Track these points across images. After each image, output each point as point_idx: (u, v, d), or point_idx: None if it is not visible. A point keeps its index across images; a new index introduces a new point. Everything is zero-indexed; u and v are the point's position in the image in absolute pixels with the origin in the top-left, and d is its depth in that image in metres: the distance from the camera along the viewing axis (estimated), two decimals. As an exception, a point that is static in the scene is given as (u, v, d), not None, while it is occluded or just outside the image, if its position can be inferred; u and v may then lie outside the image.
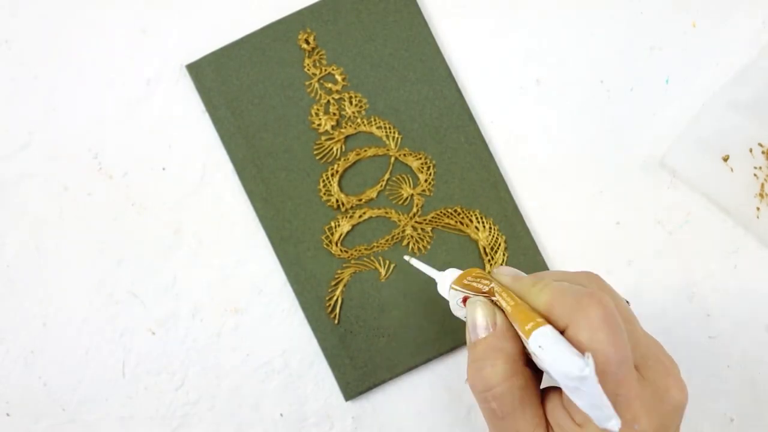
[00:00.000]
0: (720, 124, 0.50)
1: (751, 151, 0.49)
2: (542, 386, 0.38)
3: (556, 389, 0.37)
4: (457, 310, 0.41)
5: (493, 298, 0.38)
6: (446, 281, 0.42)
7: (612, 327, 0.34)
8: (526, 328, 0.34)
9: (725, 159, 0.49)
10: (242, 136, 0.49)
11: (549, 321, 0.35)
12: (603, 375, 0.34)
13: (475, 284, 0.40)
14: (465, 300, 0.40)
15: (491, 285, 0.39)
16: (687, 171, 0.50)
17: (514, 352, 0.37)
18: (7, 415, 0.49)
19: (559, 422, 0.36)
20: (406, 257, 0.46)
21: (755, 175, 0.49)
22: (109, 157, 0.50)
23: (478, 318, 0.38)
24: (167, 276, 0.50)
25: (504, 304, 0.37)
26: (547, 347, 0.33)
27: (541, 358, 0.33)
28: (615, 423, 0.32)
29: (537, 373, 0.38)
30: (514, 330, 0.37)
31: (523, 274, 0.40)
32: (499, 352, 0.37)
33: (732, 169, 0.49)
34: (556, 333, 0.34)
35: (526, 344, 0.35)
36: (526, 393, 0.36)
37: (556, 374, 0.33)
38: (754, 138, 0.50)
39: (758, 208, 0.49)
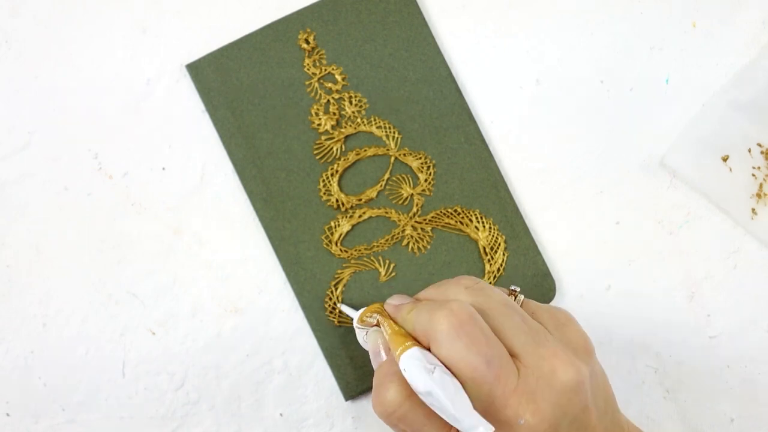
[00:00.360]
0: (719, 125, 0.50)
1: (749, 151, 0.49)
2: None
3: None
4: (365, 345, 0.43)
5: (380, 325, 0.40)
6: (355, 321, 0.44)
7: (466, 333, 0.35)
8: (397, 353, 0.36)
9: (724, 159, 0.49)
10: (242, 136, 0.49)
11: (419, 342, 0.37)
12: (473, 382, 0.34)
13: (368, 319, 0.42)
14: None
15: (378, 317, 0.41)
16: (686, 171, 0.50)
17: None
18: (7, 415, 0.49)
19: None
20: (337, 305, 0.48)
21: (753, 175, 0.49)
22: (109, 157, 0.50)
23: (374, 345, 0.40)
24: (167, 276, 0.50)
25: (384, 334, 0.39)
26: (409, 369, 0.34)
27: (412, 383, 0.34)
28: (487, 429, 0.33)
29: None
30: None
31: (409, 299, 0.41)
32: (393, 375, 0.37)
33: (731, 169, 0.49)
34: (421, 353, 0.35)
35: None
36: (427, 409, 0.36)
37: (419, 395, 0.34)
38: (753, 138, 0.50)
39: (754, 209, 0.49)
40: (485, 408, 0.35)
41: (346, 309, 0.47)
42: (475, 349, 0.35)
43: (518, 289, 0.41)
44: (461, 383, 0.35)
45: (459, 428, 0.34)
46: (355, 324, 0.44)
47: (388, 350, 0.39)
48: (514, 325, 0.37)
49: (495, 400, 0.34)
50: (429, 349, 0.36)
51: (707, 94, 0.51)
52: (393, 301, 0.42)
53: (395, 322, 0.39)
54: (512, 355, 0.36)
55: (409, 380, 0.35)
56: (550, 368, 0.35)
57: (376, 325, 0.41)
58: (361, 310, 0.43)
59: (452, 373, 0.35)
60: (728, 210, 0.49)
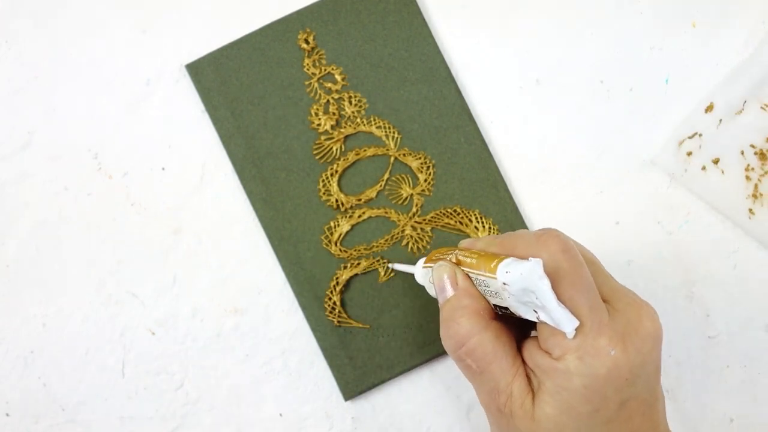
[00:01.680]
0: (710, 127, 0.50)
1: (742, 153, 0.49)
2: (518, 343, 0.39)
3: (532, 338, 0.38)
4: (431, 288, 0.42)
5: (459, 264, 0.40)
6: (419, 266, 0.44)
7: (571, 255, 0.35)
8: (491, 266, 0.36)
9: (715, 162, 0.49)
10: (242, 136, 0.49)
11: None
12: (571, 301, 0.35)
13: (440, 257, 0.41)
14: None
15: (454, 252, 0.40)
16: (678, 172, 0.50)
17: (479, 308, 0.38)
18: (7, 415, 0.49)
19: (538, 363, 0.36)
20: (390, 265, 0.48)
21: (747, 176, 0.49)
22: (108, 157, 0.50)
23: (440, 280, 0.40)
24: (167, 276, 0.50)
25: (469, 261, 0.38)
26: (512, 270, 0.35)
27: (509, 283, 0.35)
28: (573, 323, 0.34)
29: (509, 326, 0.39)
30: (477, 290, 0.38)
31: (486, 236, 0.42)
32: (464, 309, 0.38)
33: (723, 172, 0.49)
34: (518, 260, 0.35)
35: (494, 291, 0.37)
36: (498, 345, 0.37)
37: (517, 292, 0.35)
38: (746, 139, 0.50)
39: (751, 210, 0.49)
40: (582, 332, 0.35)
41: (401, 267, 0.47)
42: (579, 274, 0.35)
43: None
44: None
45: (557, 324, 0.34)
46: (419, 269, 0.44)
47: (455, 284, 0.39)
48: (605, 273, 0.38)
49: (591, 327, 0.35)
50: None
51: (705, 94, 0.51)
52: (465, 241, 0.42)
53: (478, 251, 0.39)
54: (603, 299, 0.37)
55: (511, 281, 0.34)
56: (637, 316, 0.36)
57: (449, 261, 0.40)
58: (423, 258, 0.44)
59: None
60: (724, 211, 0.49)
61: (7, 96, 0.50)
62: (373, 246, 0.49)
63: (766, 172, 0.49)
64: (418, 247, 0.49)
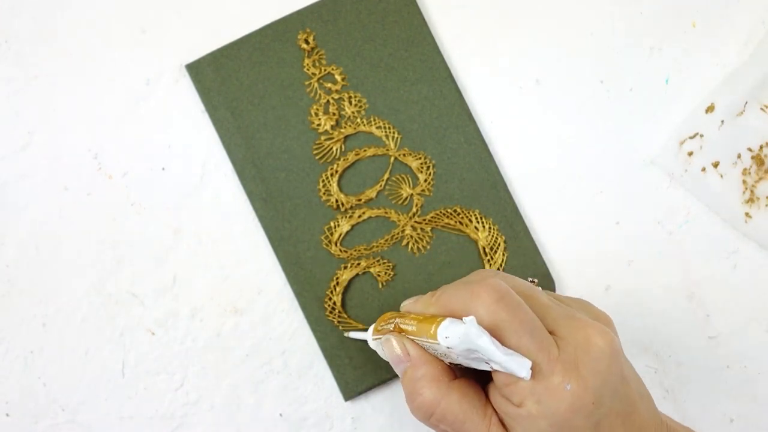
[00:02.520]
0: (711, 128, 0.50)
1: (739, 156, 0.49)
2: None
3: (493, 383, 0.38)
4: (385, 355, 0.42)
5: (401, 334, 0.40)
6: (369, 335, 0.44)
7: (507, 305, 0.35)
8: (431, 332, 0.36)
9: (715, 165, 0.49)
10: (242, 136, 0.49)
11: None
12: (518, 351, 0.35)
13: (385, 327, 0.41)
14: None
15: (395, 321, 0.40)
16: (678, 172, 0.50)
17: (436, 373, 0.38)
18: (7, 415, 0.49)
19: (504, 410, 0.37)
20: (346, 335, 0.48)
21: (744, 181, 0.49)
22: (108, 157, 0.50)
23: (392, 354, 0.40)
24: (167, 276, 0.50)
25: (410, 329, 0.38)
26: (450, 334, 0.35)
27: (452, 347, 0.35)
28: (526, 366, 0.34)
29: (472, 377, 0.39)
30: (429, 353, 0.38)
31: (423, 296, 0.41)
32: (422, 379, 0.38)
33: (721, 176, 0.49)
34: (456, 320, 0.35)
35: (442, 353, 0.37)
36: (465, 403, 0.37)
37: (463, 353, 0.35)
38: (745, 142, 0.50)
39: (747, 213, 0.49)
40: (534, 375, 0.35)
41: (355, 334, 0.47)
42: (519, 319, 0.35)
43: (536, 281, 0.41)
44: None
45: (510, 370, 0.34)
46: (370, 339, 0.44)
47: (407, 355, 0.39)
48: (545, 303, 0.38)
49: (542, 367, 0.35)
50: None
51: (706, 94, 0.51)
52: (407, 301, 0.42)
53: (416, 315, 0.39)
54: (548, 330, 0.37)
55: (453, 344, 0.34)
56: (585, 337, 0.36)
57: (393, 331, 0.41)
58: (372, 325, 0.44)
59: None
60: (721, 214, 0.49)
61: (7, 96, 0.50)
62: (374, 246, 0.49)
63: (761, 177, 0.49)
64: (418, 247, 0.49)
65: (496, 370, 0.35)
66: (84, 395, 0.49)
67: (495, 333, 0.35)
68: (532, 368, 0.34)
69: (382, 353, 0.42)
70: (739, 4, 0.51)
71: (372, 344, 0.44)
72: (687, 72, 0.51)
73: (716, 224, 0.50)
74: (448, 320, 0.35)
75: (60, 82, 0.50)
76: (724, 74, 0.51)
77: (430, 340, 0.36)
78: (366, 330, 0.45)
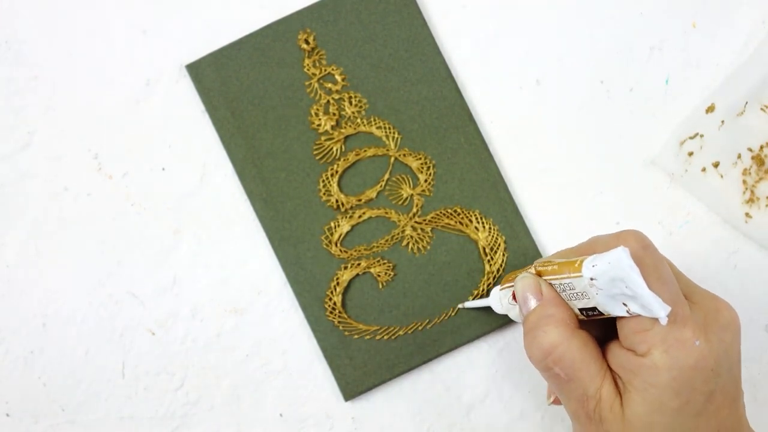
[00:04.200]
0: (712, 128, 0.50)
1: (739, 156, 0.49)
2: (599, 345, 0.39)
3: (613, 341, 0.38)
4: (512, 309, 0.43)
5: (539, 271, 0.40)
6: (494, 293, 0.45)
7: (652, 250, 0.36)
8: (576, 265, 0.36)
9: (715, 165, 0.49)
10: (242, 137, 0.49)
11: None
12: (654, 281, 0.35)
13: (517, 275, 0.42)
14: (515, 296, 0.41)
15: (534, 265, 0.41)
16: (678, 172, 0.50)
17: (565, 317, 0.38)
18: (7, 415, 0.49)
19: (622, 364, 0.37)
20: (459, 306, 0.48)
21: (744, 181, 0.49)
22: (108, 158, 0.50)
23: (523, 292, 0.40)
24: (167, 276, 0.50)
25: (550, 268, 0.39)
26: (598, 262, 0.35)
27: (597, 276, 0.35)
28: (666, 308, 0.34)
29: (592, 333, 0.39)
30: (562, 299, 0.39)
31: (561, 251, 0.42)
32: (550, 318, 0.38)
33: (721, 176, 0.49)
34: (602, 254, 0.35)
35: (579, 292, 0.37)
36: (585, 351, 0.37)
37: (606, 284, 0.35)
38: (745, 142, 0.50)
39: (747, 213, 0.49)
40: (669, 323, 0.35)
41: (473, 303, 0.48)
42: (660, 267, 0.36)
43: None
44: None
45: (648, 312, 0.35)
46: (496, 291, 0.45)
47: (539, 294, 0.39)
48: (678, 271, 0.39)
49: (676, 318, 0.35)
50: None
51: (707, 95, 0.51)
52: (545, 256, 0.43)
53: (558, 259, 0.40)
54: None
55: (598, 274, 0.35)
56: (715, 307, 0.37)
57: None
58: (496, 286, 0.45)
59: None
60: (721, 214, 0.49)
61: (7, 96, 0.50)
62: (374, 246, 0.49)
63: (761, 178, 0.49)
64: (418, 248, 0.49)
65: (625, 318, 0.35)
66: (84, 395, 0.49)
67: None
68: (669, 314, 0.35)
69: (507, 306, 0.43)
70: (739, 4, 0.51)
71: (495, 303, 0.45)
72: (687, 72, 0.51)
73: (716, 224, 0.50)
74: (594, 254, 0.36)
75: (60, 82, 0.50)
76: (725, 74, 0.51)
77: (573, 274, 0.36)
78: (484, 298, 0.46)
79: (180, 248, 0.50)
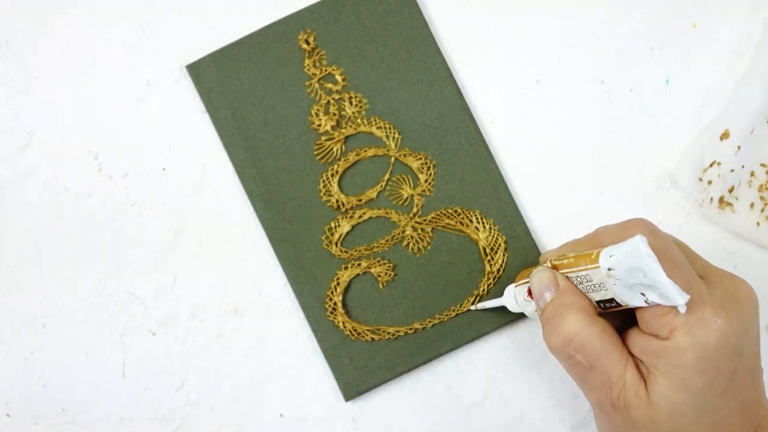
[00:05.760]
0: (725, 157, 0.49)
1: (753, 174, 0.49)
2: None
3: (632, 329, 0.38)
4: (527, 306, 0.43)
5: (554, 265, 0.40)
6: (509, 291, 0.45)
7: (659, 235, 0.36)
8: (592, 257, 0.36)
9: (730, 190, 0.49)
10: (242, 137, 0.49)
11: None
12: (666, 266, 0.34)
13: (530, 271, 0.42)
14: (530, 292, 0.42)
15: (548, 260, 0.41)
16: (703, 203, 0.49)
17: (583, 304, 0.38)
18: (7, 415, 0.49)
19: (645, 349, 0.37)
20: (472, 307, 0.48)
21: (762, 197, 0.48)
22: (109, 158, 0.50)
23: (539, 285, 0.40)
24: (167, 276, 0.50)
25: (565, 262, 0.39)
26: (615, 252, 0.35)
27: (615, 266, 0.35)
28: (685, 295, 0.34)
29: (611, 322, 0.39)
30: (578, 289, 0.39)
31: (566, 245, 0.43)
32: (568, 306, 0.38)
33: (737, 198, 0.49)
34: (618, 245, 0.35)
35: (596, 284, 0.37)
36: (606, 337, 0.37)
37: (624, 274, 0.35)
38: (756, 159, 0.49)
39: (758, 222, 0.49)
40: (688, 303, 0.35)
41: (485, 304, 0.48)
42: (671, 252, 0.36)
43: None
44: None
45: (667, 300, 0.35)
46: (511, 288, 0.45)
47: (556, 285, 0.39)
48: (693, 253, 0.39)
49: (694, 300, 0.35)
50: None
51: (707, 95, 0.51)
52: (547, 253, 0.43)
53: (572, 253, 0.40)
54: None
55: (616, 264, 0.35)
56: (733, 285, 0.37)
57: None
58: (510, 285, 0.45)
59: None
60: (746, 239, 0.49)
61: (7, 96, 0.50)
62: (374, 246, 0.49)
63: None
64: (418, 248, 0.49)
65: (651, 303, 0.35)
66: (84, 395, 0.49)
67: None
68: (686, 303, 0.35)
69: (523, 302, 0.43)
70: (739, 4, 0.51)
71: (510, 301, 0.45)
72: (687, 72, 0.51)
73: (716, 224, 0.50)
74: (611, 245, 0.36)
75: (60, 82, 0.50)
76: (726, 74, 0.51)
77: (590, 266, 0.36)
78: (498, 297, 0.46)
79: (180, 248, 0.50)
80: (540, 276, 0.40)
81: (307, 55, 0.50)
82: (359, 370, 0.48)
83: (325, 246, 0.49)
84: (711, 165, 0.49)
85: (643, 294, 0.35)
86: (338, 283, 0.49)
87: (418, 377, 0.49)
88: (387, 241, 0.49)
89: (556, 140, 0.51)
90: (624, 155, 0.50)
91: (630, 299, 0.36)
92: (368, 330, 0.49)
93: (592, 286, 0.37)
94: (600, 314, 0.39)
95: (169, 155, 0.50)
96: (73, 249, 0.50)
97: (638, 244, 0.34)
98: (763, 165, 0.49)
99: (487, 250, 0.49)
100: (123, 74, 0.50)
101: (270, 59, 0.50)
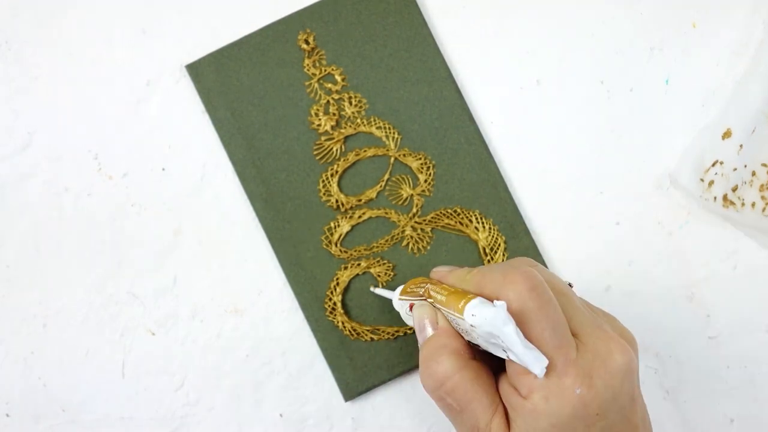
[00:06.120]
0: (727, 156, 0.49)
1: (754, 174, 0.49)
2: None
3: (505, 373, 0.38)
4: (408, 319, 0.43)
5: (429, 300, 0.40)
6: (396, 296, 0.45)
7: (538, 293, 0.35)
8: (459, 306, 0.36)
9: (734, 189, 0.49)
10: (242, 137, 0.49)
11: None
12: (538, 344, 0.35)
13: (415, 290, 0.42)
14: (411, 308, 0.42)
15: (426, 286, 0.41)
16: (705, 202, 0.49)
17: (459, 347, 0.38)
18: (7, 415, 0.49)
19: (509, 401, 0.37)
20: (372, 289, 0.48)
21: (762, 196, 0.49)
22: (109, 158, 0.50)
23: (420, 321, 0.40)
24: (167, 276, 0.50)
25: (439, 297, 0.39)
26: (477, 313, 0.35)
27: (476, 326, 0.35)
28: (542, 363, 0.34)
29: (487, 361, 0.39)
30: (455, 329, 0.38)
31: (459, 268, 0.42)
32: (444, 348, 0.38)
33: (740, 198, 0.49)
34: (486, 301, 0.35)
35: (464, 329, 0.37)
36: (477, 384, 0.37)
37: (484, 334, 0.35)
38: (758, 158, 0.49)
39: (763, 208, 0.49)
40: (548, 371, 0.35)
41: (381, 291, 0.47)
42: (545, 312, 0.35)
43: (572, 284, 0.41)
44: None
45: (525, 363, 0.34)
46: (396, 298, 0.44)
47: (435, 324, 0.39)
48: (575, 305, 0.38)
49: (557, 366, 0.35)
50: None
51: (707, 95, 0.51)
52: (440, 269, 0.42)
53: (448, 287, 0.39)
54: (572, 332, 0.37)
55: (477, 323, 0.35)
56: (607, 350, 0.36)
57: (422, 297, 0.41)
58: (401, 287, 0.44)
59: None
60: (757, 238, 0.49)
61: (7, 96, 0.50)
62: (374, 246, 0.49)
63: None
64: (418, 248, 0.49)
65: (511, 360, 0.35)
66: (84, 395, 0.49)
67: (520, 320, 0.35)
68: (547, 366, 0.35)
69: (404, 315, 0.43)
70: (739, 4, 0.51)
71: (396, 304, 0.45)
72: (687, 72, 0.51)
73: (716, 224, 0.50)
74: (478, 299, 0.35)
75: (60, 82, 0.50)
76: (726, 74, 0.51)
77: (456, 314, 0.36)
78: (393, 290, 0.46)
79: (180, 248, 0.50)
80: (421, 312, 0.40)
81: (306, 55, 0.50)
82: (359, 370, 0.48)
83: (324, 246, 0.49)
84: (713, 164, 0.49)
85: (504, 351, 0.35)
86: (338, 283, 0.49)
87: (418, 377, 0.49)
88: (386, 241, 0.49)
89: (556, 140, 0.51)
90: (624, 155, 0.50)
91: (494, 351, 0.36)
92: (368, 330, 0.49)
93: (461, 330, 0.37)
94: (476, 354, 0.38)
95: (168, 155, 0.50)
96: (73, 249, 0.50)
97: (497, 313, 0.34)
98: (764, 165, 0.49)
99: (487, 250, 0.49)
100: (123, 74, 0.50)
101: (270, 59, 0.50)
